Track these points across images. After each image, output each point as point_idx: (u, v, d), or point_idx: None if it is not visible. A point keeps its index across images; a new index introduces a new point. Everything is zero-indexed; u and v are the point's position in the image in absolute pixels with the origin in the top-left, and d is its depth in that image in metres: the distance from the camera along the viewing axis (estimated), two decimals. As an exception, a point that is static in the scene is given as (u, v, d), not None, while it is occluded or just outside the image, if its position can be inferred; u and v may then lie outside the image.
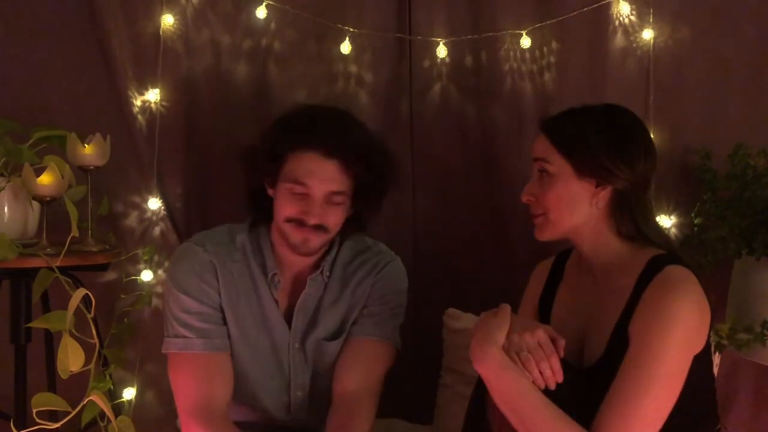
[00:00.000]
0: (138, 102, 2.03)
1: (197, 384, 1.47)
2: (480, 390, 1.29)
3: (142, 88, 2.04)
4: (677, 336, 1.20)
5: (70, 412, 1.41)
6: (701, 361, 1.26)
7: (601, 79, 2.04)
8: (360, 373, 1.53)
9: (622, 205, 1.32)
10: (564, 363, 1.23)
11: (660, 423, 1.20)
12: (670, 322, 1.20)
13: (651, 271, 1.27)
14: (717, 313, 1.82)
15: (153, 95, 2.04)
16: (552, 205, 1.34)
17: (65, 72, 2.05)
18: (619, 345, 1.25)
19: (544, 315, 1.48)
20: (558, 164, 1.33)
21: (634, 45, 2.04)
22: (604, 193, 1.32)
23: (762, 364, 1.85)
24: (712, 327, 1.28)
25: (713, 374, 1.41)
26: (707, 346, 1.28)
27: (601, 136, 1.32)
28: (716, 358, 1.96)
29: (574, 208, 1.33)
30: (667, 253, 1.30)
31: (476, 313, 1.57)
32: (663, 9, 2.03)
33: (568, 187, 1.33)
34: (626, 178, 1.30)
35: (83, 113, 2.02)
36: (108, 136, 1.76)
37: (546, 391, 1.20)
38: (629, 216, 1.32)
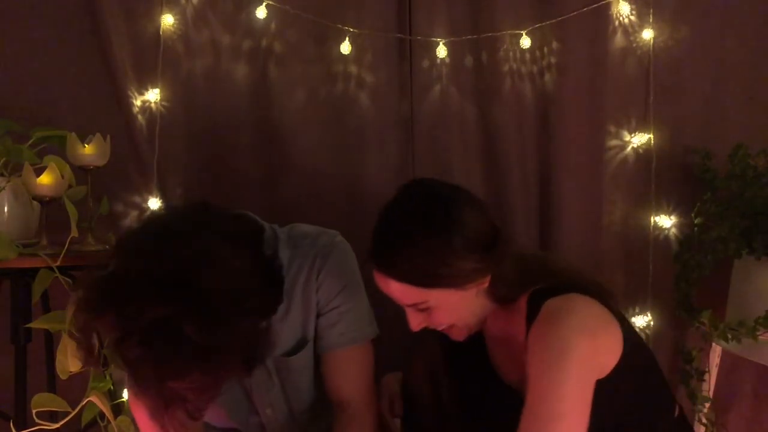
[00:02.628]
0: (138, 102, 2.03)
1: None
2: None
3: (142, 88, 2.03)
4: (570, 368, 1.14)
5: (70, 412, 1.41)
6: (627, 372, 1.21)
7: (601, 79, 2.04)
8: (348, 382, 1.49)
9: (494, 279, 1.29)
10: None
11: None
12: (560, 357, 1.14)
13: (533, 311, 1.23)
14: (717, 313, 1.82)
15: (153, 95, 2.04)
16: (453, 319, 1.31)
17: (65, 72, 2.04)
18: None
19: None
20: (434, 296, 1.26)
21: (634, 45, 2.05)
22: (485, 281, 1.29)
23: (762, 364, 1.84)
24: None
25: (657, 370, 1.35)
26: (627, 356, 1.22)
27: (456, 249, 1.24)
28: (716, 358, 1.96)
29: (470, 308, 1.31)
30: (544, 287, 1.27)
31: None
32: (663, 9, 2.03)
33: (456, 301, 1.28)
34: (493, 252, 1.26)
35: (83, 113, 2.01)
36: (108, 136, 1.76)
37: None
38: (500, 283, 1.30)
